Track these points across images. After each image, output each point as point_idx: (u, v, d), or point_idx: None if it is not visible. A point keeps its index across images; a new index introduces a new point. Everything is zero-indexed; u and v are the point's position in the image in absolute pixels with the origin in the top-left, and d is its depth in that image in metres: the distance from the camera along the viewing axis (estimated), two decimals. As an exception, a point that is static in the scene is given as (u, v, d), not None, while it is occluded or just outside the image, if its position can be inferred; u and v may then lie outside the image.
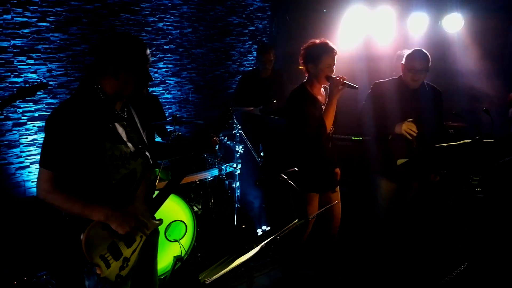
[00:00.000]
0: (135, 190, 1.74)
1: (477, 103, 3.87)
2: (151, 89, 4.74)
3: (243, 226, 3.89)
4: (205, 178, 3.61)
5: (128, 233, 1.65)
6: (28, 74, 3.86)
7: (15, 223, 3.49)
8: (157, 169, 3.27)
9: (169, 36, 4.89)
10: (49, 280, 2.83)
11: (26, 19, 3.78)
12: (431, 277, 3.07)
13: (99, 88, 1.68)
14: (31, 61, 3.87)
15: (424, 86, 2.88)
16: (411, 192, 3.05)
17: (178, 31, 4.95)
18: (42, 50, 3.91)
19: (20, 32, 3.76)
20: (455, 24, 4.15)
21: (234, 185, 3.81)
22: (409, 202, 3.08)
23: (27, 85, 2.80)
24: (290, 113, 2.68)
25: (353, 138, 4.14)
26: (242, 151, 3.76)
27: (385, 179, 2.98)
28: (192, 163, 2.04)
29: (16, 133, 3.89)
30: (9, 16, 3.67)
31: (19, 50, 3.78)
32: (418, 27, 4.43)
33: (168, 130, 4.15)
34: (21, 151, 3.93)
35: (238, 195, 3.82)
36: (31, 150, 3.99)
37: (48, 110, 4.02)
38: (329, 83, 2.55)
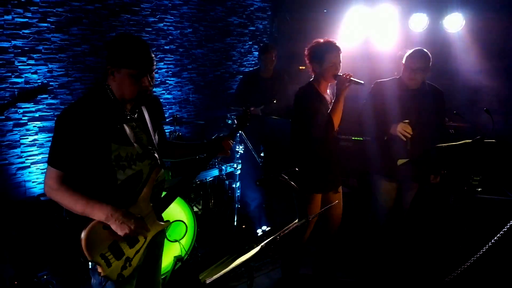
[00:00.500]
0: (140, 191, 1.74)
1: (478, 103, 3.87)
2: (151, 90, 4.74)
3: (243, 226, 3.89)
4: (205, 178, 3.62)
5: (126, 234, 1.65)
6: (28, 75, 3.86)
7: (16, 224, 3.49)
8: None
9: (170, 37, 4.89)
10: (49, 280, 2.84)
11: (27, 19, 3.78)
12: (431, 278, 3.07)
13: (109, 89, 1.71)
14: (32, 62, 3.87)
15: (425, 86, 2.87)
16: (412, 192, 3.05)
17: (179, 31, 4.96)
18: (42, 50, 3.92)
19: (20, 32, 3.76)
20: (456, 24, 4.15)
21: (234, 185, 3.81)
22: (409, 202, 3.07)
23: (28, 86, 2.80)
24: (297, 111, 2.67)
25: (353, 138, 4.14)
26: (242, 151, 3.75)
27: (385, 179, 2.97)
28: (202, 165, 2.02)
29: (16, 134, 3.89)
30: (9, 17, 3.68)
31: (19, 50, 3.78)
32: (419, 27, 4.43)
33: (168, 130, 4.15)
34: (21, 152, 3.93)
35: (238, 195, 3.82)
36: (32, 151, 3.98)
37: (48, 110, 4.02)
38: (335, 81, 2.54)
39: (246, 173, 3.90)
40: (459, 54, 4.24)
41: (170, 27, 4.88)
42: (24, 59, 3.82)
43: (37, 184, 3.93)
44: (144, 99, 1.75)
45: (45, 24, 3.89)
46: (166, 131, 4.12)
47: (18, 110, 3.86)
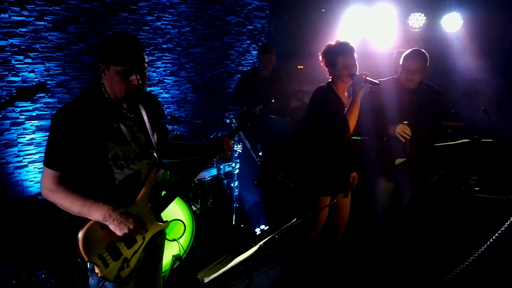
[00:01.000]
0: (138, 191, 1.73)
1: (476, 103, 3.88)
2: (149, 89, 4.73)
3: (242, 225, 3.89)
4: (204, 178, 3.61)
5: (125, 234, 1.63)
6: (25, 73, 3.85)
7: (13, 223, 3.48)
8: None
9: (167, 35, 4.88)
10: (47, 279, 2.83)
11: (24, 18, 3.76)
12: (429, 277, 3.08)
13: (103, 87, 1.70)
14: (29, 60, 3.85)
15: (422, 85, 2.88)
16: (410, 191, 3.06)
17: (176, 30, 4.94)
18: (39, 49, 3.90)
19: (17, 31, 3.74)
20: (454, 23, 4.16)
21: (232, 185, 3.80)
22: (407, 202, 3.08)
23: (25, 85, 2.78)
24: (313, 111, 2.63)
25: (352, 137, 4.14)
26: (240, 151, 3.75)
27: (383, 178, 2.98)
28: (201, 166, 1.99)
29: (14, 132, 3.87)
30: (6, 15, 3.66)
31: (16, 49, 3.76)
32: (417, 27, 4.44)
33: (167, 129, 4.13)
34: (19, 150, 3.92)
35: (236, 195, 3.82)
36: (29, 150, 3.97)
37: (46, 109, 4.00)
38: (352, 81, 2.50)
39: (245, 173, 3.89)
40: (457, 54, 4.25)
41: (168, 26, 4.86)
42: (21, 57, 3.80)
43: (34, 183, 3.92)
44: (136, 98, 1.70)
45: (42, 23, 3.88)
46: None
47: (16, 109, 3.84)
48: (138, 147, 1.74)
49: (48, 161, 1.61)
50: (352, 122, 2.48)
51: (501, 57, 4.19)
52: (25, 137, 3.94)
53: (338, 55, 2.50)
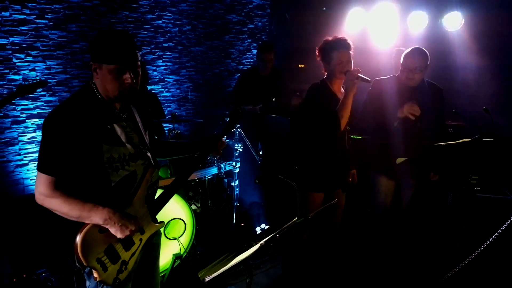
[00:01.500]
0: (135, 192, 1.71)
1: (477, 102, 3.87)
2: (149, 87, 4.73)
3: (242, 224, 3.89)
4: (204, 176, 3.61)
5: (127, 236, 1.62)
6: (26, 72, 3.85)
7: (14, 221, 3.48)
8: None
9: (168, 34, 4.88)
10: (48, 278, 2.83)
11: (25, 16, 3.76)
12: (429, 276, 3.08)
13: (95, 87, 1.65)
14: (30, 59, 3.86)
15: (424, 83, 2.87)
16: (410, 190, 3.06)
17: (177, 28, 4.94)
18: (40, 47, 3.90)
19: (18, 29, 3.75)
20: (455, 22, 4.15)
21: (233, 184, 3.80)
22: (408, 200, 3.08)
23: (26, 83, 2.78)
24: (306, 105, 2.63)
25: (352, 136, 4.14)
26: (241, 150, 3.75)
27: (384, 177, 2.98)
28: (195, 164, 1.99)
29: (15, 131, 3.88)
30: (7, 13, 3.66)
31: (17, 47, 3.77)
32: (418, 26, 4.43)
33: (167, 128, 4.14)
34: (20, 149, 3.92)
35: (237, 194, 3.82)
36: (30, 148, 3.98)
37: (47, 108, 4.00)
38: (345, 78, 2.50)
39: (245, 171, 3.90)
40: (458, 53, 4.24)
41: (169, 25, 4.86)
42: (22, 56, 3.80)
43: (35, 181, 3.92)
44: (130, 97, 1.66)
45: (43, 21, 3.88)
46: (165, 129, 4.12)
47: (16, 107, 3.84)
48: (132, 148, 1.71)
49: (42, 166, 1.56)
50: (344, 119, 2.48)
51: (502, 56, 4.18)
52: (26, 136, 3.94)
53: (334, 51, 2.50)
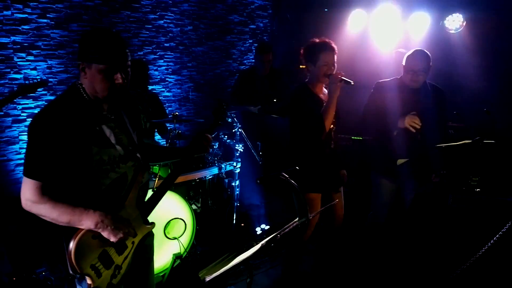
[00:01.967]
0: (126, 195, 1.67)
1: (478, 104, 3.87)
2: (150, 87, 4.73)
3: (242, 224, 3.89)
4: (205, 177, 3.61)
5: (120, 240, 1.59)
6: (28, 71, 3.85)
7: (14, 220, 3.48)
8: (156, 167, 3.28)
9: (170, 34, 4.88)
10: (48, 277, 2.83)
11: (26, 15, 3.76)
12: (430, 277, 3.08)
13: (82, 88, 1.59)
14: (31, 58, 3.86)
15: (426, 85, 2.87)
16: (411, 192, 3.05)
17: (179, 28, 4.94)
18: (42, 46, 3.90)
19: (20, 28, 3.75)
20: (457, 24, 4.15)
21: (233, 184, 3.80)
22: (409, 202, 3.08)
23: (27, 82, 2.79)
24: (291, 111, 2.68)
25: (353, 138, 4.14)
26: (242, 150, 3.75)
27: (386, 179, 2.98)
28: (182, 167, 1.96)
29: (15, 130, 3.88)
30: (9, 12, 3.66)
31: (19, 46, 3.77)
32: (419, 27, 4.43)
33: (168, 128, 4.14)
34: (20, 148, 3.92)
35: (237, 194, 3.82)
36: (31, 147, 3.98)
37: (47, 106, 4.01)
38: (328, 81, 2.53)
39: (246, 172, 3.89)
40: (459, 54, 4.24)
41: (171, 25, 4.86)
42: (23, 55, 3.80)
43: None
44: (118, 98, 1.63)
45: (45, 20, 3.88)
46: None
47: (17, 106, 3.85)
48: (122, 149, 1.66)
49: (28, 171, 1.50)
50: (328, 121, 2.51)
51: (504, 58, 4.18)
52: (26, 135, 3.94)
53: (321, 52, 2.52)
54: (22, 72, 3.82)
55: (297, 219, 1.81)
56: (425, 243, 3.37)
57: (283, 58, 5.39)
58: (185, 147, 2.00)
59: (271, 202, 4.33)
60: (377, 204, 3.06)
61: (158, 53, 4.82)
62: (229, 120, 3.80)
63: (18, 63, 3.79)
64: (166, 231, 2.97)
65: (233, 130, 3.78)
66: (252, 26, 5.74)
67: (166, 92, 5.02)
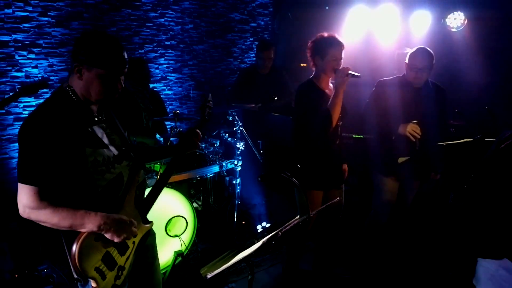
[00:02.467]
0: (124, 195, 1.66)
1: (479, 102, 3.87)
2: (152, 85, 4.74)
3: (243, 222, 3.90)
4: (206, 175, 3.62)
5: (124, 239, 1.59)
6: (29, 69, 3.85)
7: (16, 217, 3.49)
8: (157, 165, 3.29)
9: (171, 32, 4.88)
10: (50, 274, 2.84)
11: (27, 13, 3.77)
12: (430, 275, 3.08)
13: (71, 90, 1.58)
14: (32, 56, 3.86)
15: (428, 84, 2.87)
16: (413, 190, 3.06)
17: (180, 27, 4.94)
18: (43, 44, 3.91)
19: (21, 26, 3.75)
20: (458, 22, 4.14)
21: (234, 182, 3.81)
22: (410, 200, 3.08)
23: (29, 80, 2.79)
24: (297, 107, 2.67)
25: (354, 136, 4.14)
26: (242, 148, 3.76)
27: (387, 177, 2.98)
28: (174, 165, 1.96)
29: (17, 128, 3.88)
30: (10, 10, 3.66)
31: (20, 44, 3.77)
32: (421, 25, 4.42)
33: (169, 126, 4.14)
34: (22, 146, 3.93)
35: (238, 192, 3.82)
36: (32, 145, 3.98)
37: (49, 105, 4.01)
38: (335, 75, 2.52)
39: (247, 170, 3.90)
40: (461, 53, 4.23)
41: (171, 23, 4.86)
42: (24, 53, 3.81)
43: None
44: (111, 101, 1.64)
45: (46, 18, 3.88)
46: (167, 127, 4.13)
47: (19, 104, 3.85)
48: (116, 149, 1.67)
49: (23, 177, 1.47)
50: (335, 115, 2.50)
51: (505, 56, 4.17)
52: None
53: (329, 47, 2.52)
54: (23, 70, 3.82)
55: (298, 216, 1.82)
56: (426, 242, 3.37)
57: (284, 56, 5.38)
58: (176, 145, 2.00)
59: (272, 200, 4.33)
60: (378, 202, 3.06)
61: (159, 51, 4.82)
62: (230, 118, 3.80)
63: (20, 61, 3.80)
64: (167, 229, 2.97)
65: (234, 128, 3.78)
66: (253, 24, 5.73)
67: (167, 90, 5.02)
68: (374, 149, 3.01)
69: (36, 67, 3.89)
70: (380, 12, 4.50)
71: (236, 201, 3.79)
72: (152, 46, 4.73)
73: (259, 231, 3.79)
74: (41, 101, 3.94)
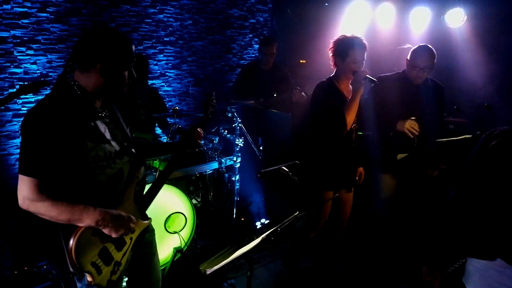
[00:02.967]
0: (123, 190, 1.67)
1: (479, 98, 3.87)
2: (150, 82, 4.73)
3: (242, 219, 3.91)
4: (205, 171, 3.62)
5: (122, 235, 1.59)
6: (28, 65, 3.84)
7: (15, 213, 3.50)
8: (157, 161, 3.29)
9: (170, 28, 4.86)
10: (49, 270, 2.85)
11: (26, 9, 3.75)
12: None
13: (76, 85, 1.58)
14: (31, 52, 3.85)
15: (427, 81, 2.87)
16: (411, 186, 3.06)
17: (179, 23, 4.93)
18: (42, 40, 3.89)
19: (20, 22, 3.74)
20: (458, 19, 4.14)
21: (233, 178, 3.81)
22: (409, 196, 3.09)
23: (27, 76, 2.78)
24: (313, 106, 2.63)
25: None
26: (242, 145, 3.76)
27: (386, 174, 2.98)
28: (176, 162, 1.96)
29: (16, 124, 3.88)
30: (8, 6, 3.65)
31: (19, 40, 3.76)
32: (420, 22, 4.42)
33: (168, 123, 4.14)
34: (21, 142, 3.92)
35: (237, 188, 3.83)
36: (31, 141, 3.98)
37: (48, 101, 4.00)
38: (353, 78, 2.49)
39: (246, 166, 3.90)
40: (460, 49, 4.23)
41: (170, 19, 4.84)
42: (23, 49, 3.80)
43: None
44: (116, 96, 1.68)
45: (45, 14, 3.86)
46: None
47: (17, 100, 3.84)
48: (117, 145, 1.67)
49: (24, 168, 1.48)
50: (350, 119, 2.48)
51: (505, 53, 4.17)
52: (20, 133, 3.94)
53: (351, 48, 2.47)
54: (22, 66, 3.81)
55: (297, 212, 1.82)
56: (425, 237, 3.38)
57: (283, 53, 5.37)
58: (177, 142, 1.99)
59: (271, 196, 4.34)
60: (377, 199, 3.07)
61: (158, 48, 4.81)
62: (229, 115, 3.79)
63: (18, 57, 3.79)
64: (166, 225, 2.98)
65: (233, 125, 3.78)
66: (252, 21, 5.72)
67: (166, 86, 5.01)
68: (373, 145, 3.01)
69: (34, 63, 3.88)
70: (379, 9, 4.49)
71: (235, 198, 3.80)
72: (151, 42, 4.72)
73: (258, 227, 3.80)
74: (40, 97, 3.97)
